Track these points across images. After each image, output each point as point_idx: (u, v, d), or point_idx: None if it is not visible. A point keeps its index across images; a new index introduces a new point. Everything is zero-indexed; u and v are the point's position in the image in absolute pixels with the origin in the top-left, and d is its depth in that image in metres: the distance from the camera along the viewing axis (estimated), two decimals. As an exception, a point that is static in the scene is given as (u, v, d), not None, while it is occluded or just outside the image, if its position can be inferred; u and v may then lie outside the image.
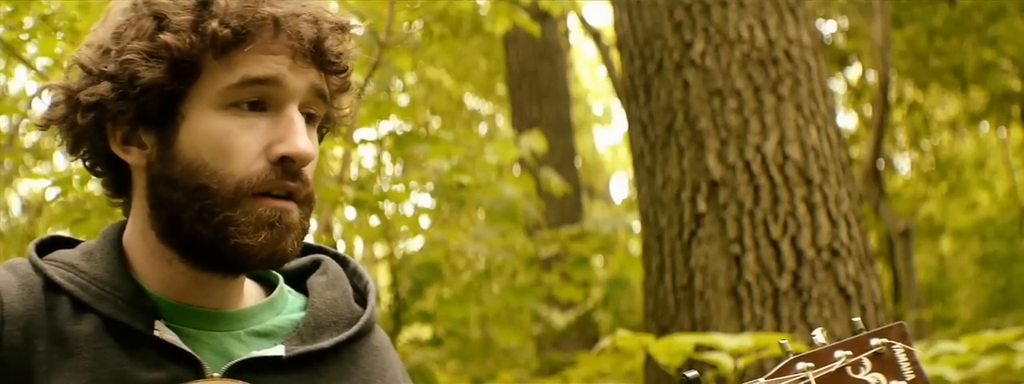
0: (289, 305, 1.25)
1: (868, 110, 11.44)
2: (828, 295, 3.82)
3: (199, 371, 1.12)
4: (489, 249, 6.41)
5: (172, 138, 1.12)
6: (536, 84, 9.69)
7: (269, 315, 1.22)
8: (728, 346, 3.29)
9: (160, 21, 1.10)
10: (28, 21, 3.61)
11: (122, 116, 1.12)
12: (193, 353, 1.12)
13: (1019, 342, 3.89)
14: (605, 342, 3.71)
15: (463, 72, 12.90)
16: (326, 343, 1.19)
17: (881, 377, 1.15)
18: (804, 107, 4.06)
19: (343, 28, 1.16)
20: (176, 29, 1.09)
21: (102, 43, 1.13)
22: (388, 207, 6.04)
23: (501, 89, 12.60)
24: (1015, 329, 4.06)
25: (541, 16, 7.93)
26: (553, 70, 9.87)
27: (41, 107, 1.19)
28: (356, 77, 1.22)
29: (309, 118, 1.15)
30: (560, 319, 7.22)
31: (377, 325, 1.29)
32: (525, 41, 9.21)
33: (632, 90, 4.43)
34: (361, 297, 1.29)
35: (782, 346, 1.17)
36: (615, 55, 8.23)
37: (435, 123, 13.42)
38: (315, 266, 1.30)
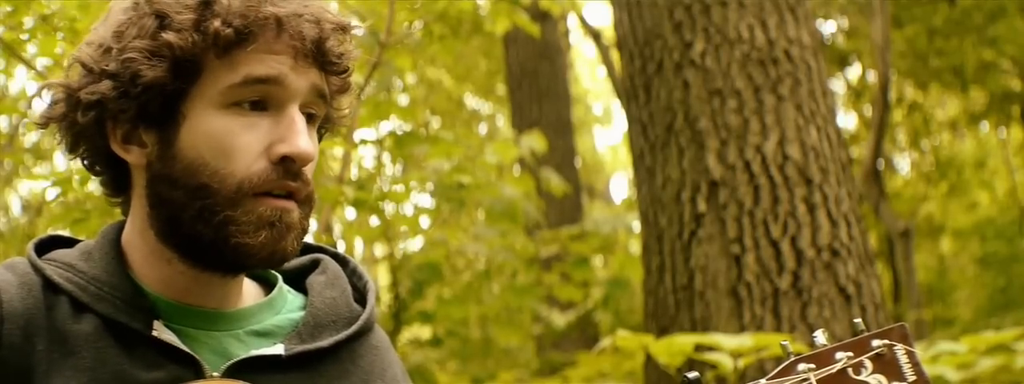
0: (288, 304, 1.25)
1: (868, 110, 11.44)
2: (828, 295, 3.82)
3: (198, 371, 1.12)
4: (489, 249, 6.41)
5: (173, 137, 1.11)
6: (536, 84, 9.69)
7: (268, 314, 1.22)
8: (728, 346, 3.29)
9: (162, 20, 1.10)
10: (28, 21, 3.61)
11: (123, 115, 1.12)
12: (192, 353, 1.12)
13: (1019, 342, 3.89)
14: (605, 342, 3.71)
15: (463, 72, 12.90)
16: (325, 342, 1.19)
17: (882, 378, 1.15)
18: (804, 107, 4.06)
19: (344, 29, 1.16)
20: (178, 28, 1.09)
21: (103, 42, 1.13)
22: (388, 207, 6.04)
23: (501, 89, 12.60)
24: (1015, 329, 4.06)
25: (541, 16, 7.93)
26: (553, 70, 9.87)
27: (41, 106, 1.19)
28: (356, 77, 1.22)
29: (309, 118, 1.15)
30: (560, 319, 7.22)
31: (377, 325, 1.29)
32: (525, 41, 9.21)
33: (632, 90, 4.43)
34: (360, 297, 1.29)
35: (783, 347, 1.17)
36: (615, 55, 8.23)
37: (435, 123, 13.43)
38: (314, 266, 1.30)
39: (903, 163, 14.13)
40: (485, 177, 5.61)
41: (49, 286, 1.13)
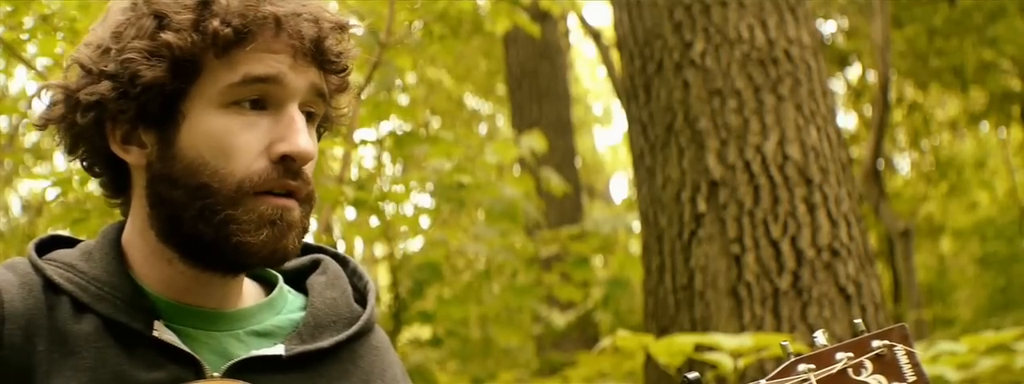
0: (289, 305, 1.25)
1: (868, 110, 11.44)
2: (828, 295, 3.82)
3: (199, 371, 1.12)
4: (489, 249, 6.41)
5: (173, 137, 1.11)
6: (536, 84, 9.69)
7: (268, 315, 1.22)
8: (728, 346, 3.29)
9: (161, 20, 1.10)
10: (28, 21, 3.61)
11: (122, 115, 1.12)
12: (192, 353, 1.12)
13: (1019, 342, 3.89)
14: (605, 342, 3.71)
15: (463, 72, 12.90)
16: (326, 343, 1.19)
17: (882, 379, 1.15)
18: (804, 107, 4.06)
19: (343, 28, 1.16)
20: (177, 28, 1.09)
21: (102, 42, 1.13)
22: (388, 207, 6.04)
23: (501, 89, 12.60)
24: (1015, 329, 4.06)
25: (541, 16, 7.93)
26: (553, 70, 9.87)
27: (41, 107, 1.19)
28: (356, 77, 1.22)
29: (309, 117, 1.16)
30: (560, 319, 7.22)
31: (377, 325, 1.29)
32: (525, 41, 9.21)
33: (632, 90, 4.43)
34: (361, 297, 1.29)
35: (783, 347, 1.17)
36: (615, 55, 8.23)
37: (435, 123, 13.43)
38: (315, 266, 1.30)
39: (903, 163, 14.14)
40: (485, 177, 5.61)
41: (50, 286, 1.13)
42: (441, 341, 6.93)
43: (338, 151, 4.83)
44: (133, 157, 1.15)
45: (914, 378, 1.15)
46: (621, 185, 19.51)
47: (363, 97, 4.52)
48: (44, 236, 1.23)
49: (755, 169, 3.97)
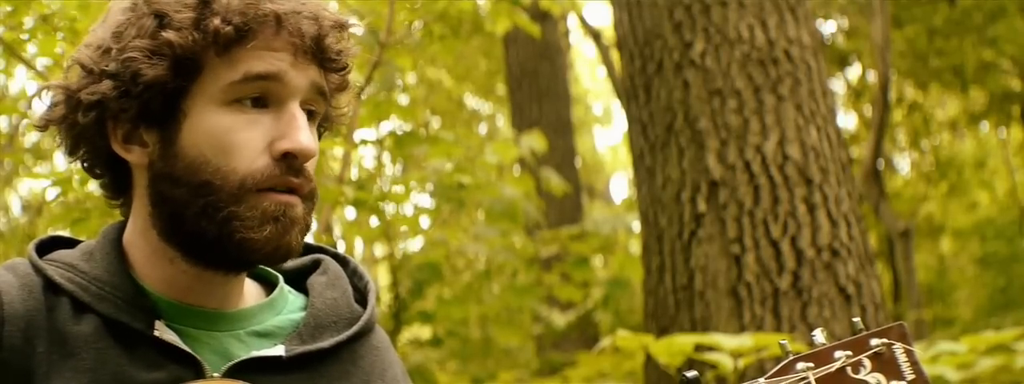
0: (289, 305, 1.25)
1: (868, 110, 11.44)
2: (828, 295, 3.82)
3: (199, 371, 1.12)
4: (489, 249, 6.41)
5: (174, 135, 1.12)
6: (536, 84, 9.69)
7: (269, 315, 1.22)
8: (728, 346, 3.29)
9: (162, 19, 1.11)
10: (28, 21, 3.61)
11: (124, 114, 1.12)
12: (193, 353, 1.12)
13: (1019, 342, 3.89)
14: (605, 342, 3.71)
15: (463, 72, 12.90)
16: (326, 343, 1.19)
17: (881, 377, 1.15)
18: (804, 107, 4.06)
19: (343, 26, 1.17)
20: (178, 27, 1.10)
21: (102, 43, 1.13)
22: (388, 207, 6.04)
23: (501, 89, 12.60)
24: (1015, 329, 4.06)
25: (541, 16, 7.93)
26: (553, 70, 9.87)
27: (41, 107, 1.19)
28: (356, 77, 1.23)
29: (309, 115, 1.16)
30: (560, 319, 7.22)
31: (377, 325, 1.29)
32: (525, 41, 9.21)
33: (632, 90, 4.43)
34: (361, 297, 1.29)
35: (782, 346, 1.17)
36: (615, 55, 8.23)
37: (435, 123, 13.43)
38: (315, 266, 1.30)
39: (903, 163, 14.14)
40: (485, 177, 5.61)
41: (50, 287, 1.14)
42: (441, 341, 6.94)
43: (338, 151, 4.83)
44: (135, 156, 1.15)
45: (913, 376, 1.15)
46: (621, 185, 19.53)
47: (363, 97, 4.53)
48: (44, 237, 1.24)
49: (755, 169, 3.97)
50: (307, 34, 1.12)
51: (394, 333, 5.81)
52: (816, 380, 1.14)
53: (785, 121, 4.02)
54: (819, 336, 1.17)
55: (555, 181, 6.35)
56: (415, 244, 7.36)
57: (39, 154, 7.95)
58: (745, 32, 4.13)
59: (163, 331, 1.12)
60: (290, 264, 1.28)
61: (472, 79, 13.37)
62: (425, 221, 6.58)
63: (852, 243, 3.92)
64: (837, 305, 3.82)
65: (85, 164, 1.19)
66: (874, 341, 1.17)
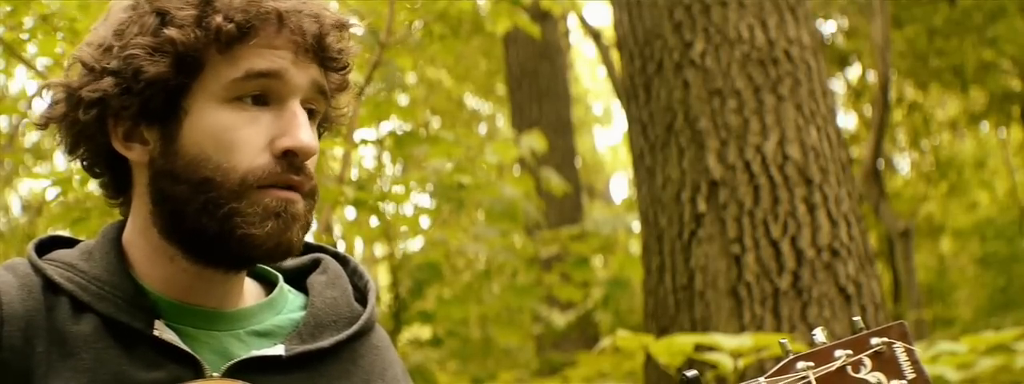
0: (289, 304, 1.25)
1: (868, 110, 11.44)
2: (828, 295, 3.82)
3: (198, 371, 1.12)
4: (489, 249, 6.41)
5: (175, 133, 1.12)
6: (536, 84, 9.69)
7: (269, 314, 1.22)
8: (728, 346, 3.29)
9: (164, 17, 1.11)
10: (28, 21, 3.61)
11: (125, 111, 1.12)
12: (192, 353, 1.12)
13: (1019, 342, 3.89)
14: (605, 342, 3.71)
15: (463, 72, 12.90)
16: (326, 342, 1.19)
17: (881, 376, 1.15)
18: (804, 107, 4.06)
19: (344, 26, 1.17)
20: (180, 24, 1.10)
21: (104, 41, 1.13)
22: (388, 207, 6.04)
23: (501, 89, 12.60)
24: (1015, 329, 4.06)
25: (541, 16, 7.93)
26: (553, 70, 9.87)
27: (41, 106, 1.19)
28: (356, 76, 1.23)
29: (310, 114, 1.16)
30: (560, 319, 7.22)
31: (377, 324, 1.29)
32: (525, 41, 9.21)
33: (632, 90, 4.43)
34: (361, 296, 1.29)
35: (782, 345, 1.16)
36: (615, 55, 8.23)
37: (435, 123, 13.42)
38: (315, 265, 1.30)
39: (903, 163, 14.14)
40: (485, 177, 5.61)
41: (49, 287, 1.13)
42: (441, 341, 6.94)
43: (338, 151, 4.83)
44: (135, 154, 1.15)
45: (913, 375, 1.15)
46: (621, 185, 19.52)
47: (363, 97, 4.53)
48: (44, 236, 1.24)
49: (755, 169, 3.97)
50: (308, 32, 1.13)
51: (394, 333, 5.81)
52: (816, 379, 1.14)
53: (785, 121, 4.02)
54: (819, 335, 1.17)
55: (555, 181, 6.35)
56: (415, 244, 7.36)
57: (39, 154, 7.95)
58: (745, 32, 4.13)
59: (162, 331, 1.12)
60: (290, 263, 1.28)
61: (472, 79, 13.37)
62: (425, 221, 6.58)
63: (852, 243, 3.92)
64: (837, 305, 3.82)
65: (85, 163, 1.19)
66: (874, 340, 1.17)
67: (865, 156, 9.69)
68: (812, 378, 1.13)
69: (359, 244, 11.24)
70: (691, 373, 1.11)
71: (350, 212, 6.46)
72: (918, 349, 1.19)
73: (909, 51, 10.22)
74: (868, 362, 1.15)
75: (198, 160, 1.11)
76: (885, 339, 1.17)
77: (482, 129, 15.14)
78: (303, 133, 1.12)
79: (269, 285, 1.27)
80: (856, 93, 11.95)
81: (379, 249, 11.31)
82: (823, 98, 4.15)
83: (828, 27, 11.53)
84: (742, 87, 4.07)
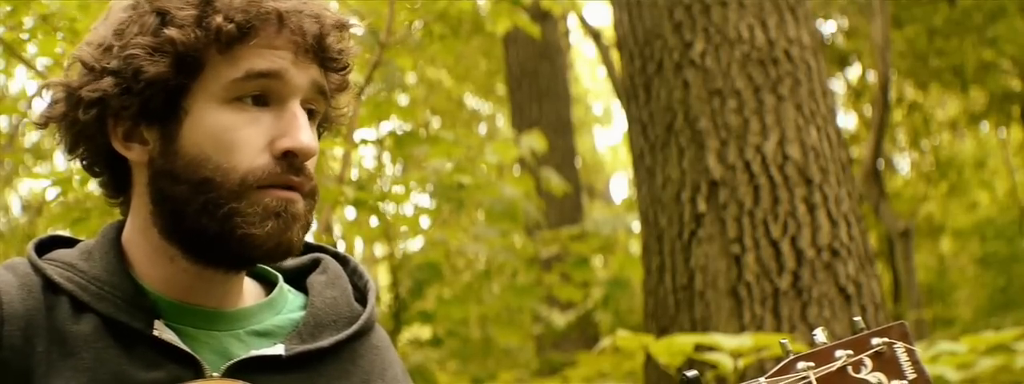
0: (289, 304, 1.25)
1: (868, 110, 11.44)
2: (828, 295, 3.82)
3: (198, 370, 1.12)
4: (489, 249, 6.41)
5: (175, 133, 1.12)
6: (536, 84, 9.69)
7: (269, 314, 1.22)
8: (728, 346, 3.29)
9: (164, 17, 1.11)
10: (28, 21, 3.61)
11: (125, 111, 1.12)
12: (192, 352, 1.12)
13: (1019, 342, 3.89)
14: (605, 342, 3.71)
15: (463, 72, 12.90)
16: (326, 342, 1.19)
17: (882, 376, 1.15)
18: (804, 107, 4.06)
19: (344, 26, 1.17)
20: (180, 24, 1.10)
21: (104, 40, 1.13)
22: (388, 207, 6.04)
23: (501, 89, 12.60)
24: (1015, 329, 4.06)
25: (541, 16, 7.93)
26: (553, 70, 9.87)
27: (41, 106, 1.19)
28: (356, 77, 1.23)
29: (310, 114, 1.16)
30: (560, 319, 7.21)
31: (377, 324, 1.29)
32: (525, 41, 9.21)
33: (632, 90, 4.43)
34: (361, 296, 1.29)
35: (783, 346, 1.16)
36: (615, 55, 8.23)
37: (435, 123, 13.42)
38: (315, 265, 1.30)
39: (903, 163, 14.14)
40: (485, 177, 5.61)
41: (49, 286, 1.13)
42: (441, 341, 6.94)
43: (338, 151, 4.83)
44: (135, 154, 1.15)
45: (914, 375, 1.15)
46: (621, 185, 19.52)
47: (363, 97, 4.53)
48: (44, 236, 1.23)
49: (755, 169, 3.97)
50: (309, 33, 1.13)
51: (394, 333, 5.81)
52: (817, 379, 1.14)
53: (785, 121, 4.02)
54: (820, 335, 1.17)
55: (555, 181, 6.35)
56: (415, 244, 7.36)
57: (39, 154, 7.95)
58: (745, 32, 4.13)
59: (162, 330, 1.12)
60: (289, 263, 1.28)
61: (472, 79, 13.37)
62: (425, 221, 6.58)
63: (852, 243, 3.92)
64: (837, 305, 3.82)
65: (85, 162, 1.19)
66: (875, 340, 1.16)
67: (865, 156, 9.69)
68: (813, 378, 1.13)
69: (359, 244, 11.24)
70: (691, 373, 1.11)
71: (350, 212, 6.47)
72: (918, 349, 1.19)
73: (909, 51, 10.22)
74: (869, 362, 1.15)
75: (198, 160, 1.10)
76: (886, 339, 1.16)
77: (482, 129, 15.14)
78: (303, 134, 1.12)
79: (269, 285, 1.27)
80: (856, 93, 11.95)
81: (379, 249, 11.31)
82: (823, 98, 4.15)
83: (828, 27, 11.54)
84: (742, 87, 4.07)
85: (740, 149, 4.00)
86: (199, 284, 1.16)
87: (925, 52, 10.11)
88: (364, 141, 5.58)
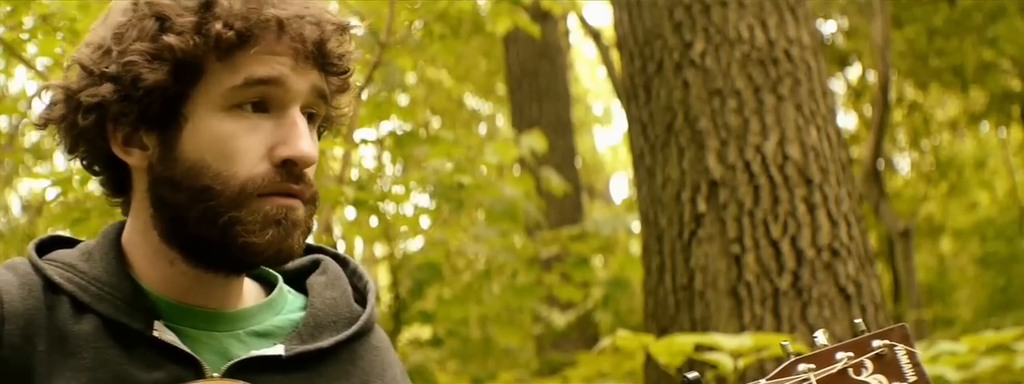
0: (289, 305, 1.25)
1: (868, 110, 11.44)
2: (828, 295, 3.82)
3: (198, 371, 1.12)
4: (489, 249, 6.41)
5: (174, 140, 1.11)
6: (536, 84, 9.69)
7: (269, 315, 1.22)
8: (728, 346, 3.29)
9: (163, 22, 1.10)
10: (28, 21, 3.61)
11: (124, 118, 1.12)
12: (192, 353, 1.12)
13: (1019, 342, 3.89)
14: (605, 342, 3.71)
15: (463, 72, 12.90)
16: (325, 343, 1.19)
17: (883, 379, 1.15)
18: (804, 107, 4.06)
19: (344, 29, 1.16)
20: (179, 30, 1.09)
21: (102, 43, 1.13)
22: (388, 207, 6.04)
23: (501, 89, 12.60)
24: (1015, 329, 4.06)
25: (541, 16, 7.93)
26: (553, 70, 9.87)
27: (41, 107, 1.19)
28: (356, 77, 1.22)
29: (310, 118, 1.16)
30: (560, 319, 7.21)
31: (377, 325, 1.29)
32: (525, 41, 9.21)
33: (632, 90, 4.43)
34: (361, 297, 1.29)
35: (783, 347, 1.16)
36: (615, 55, 8.23)
37: (435, 123, 13.42)
38: (315, 266, 1.30)
39: (903, 163, 14.14)
40: (485, 177, 5.61)
41: (50, 286, 1.13)
42: (441, 341, 6.94)
43: (338, 151, 4.83)
44: (134, 159, 1.15)
45: (915, 378, 1.15)
46: (621, 185, 19.52)
47: (363, 97, 4.52)
48: (44, 236, 1.23)
49: (755, 169, 3.97)
50: (309, 39, 1.12)
51: (394, 333, 5.81)
52: (818, 381, 1.14)
53: (785, 121, 4.02)
54: (821, 337, 1.17)
55: (555, 181, 6.35)
56: (415, 244, 7.36)
57: (39, 154, 7.95)
58: (745, 32, 4.13)
59: (162, 331, 1.12)
60: (290, 264, 1.28)
61: (472, 79, 13.36)
62: (425, 221, 6.58)
63: (852, 243, 3.92)
64: (837, 305, 3.82)
65: (84, 162, 1.19)
66: (876, 342, 1.16)
67: (865, 156, 9.69)
68: (813, 380, 1.13)
69: (359, 244, 11.24)
70: (692, 375, 1.11)
71: (350, 212, 6.47)
72: (919, 350, 1.19)
73: (909, 51, 10.22)
74: (870, 364, 1.15)
75: (198, 168, 1.10)
76: (887, 341, 1.16)
77: (482, 129, 15.14)
78: (303, 142, 1.11)
79: (269, 286, 1.27)
80: (856, 93, 11.95)
81: (379, 249, 11.31)
82: (823, 98, 4.15)
83: (828, 27, 11.54)
84: (742, 87, 4.07)
85: (740, 149, 4.00)
86: (199, 286, 1.16)
87: (925, 52, 10.11)
88: (364, 141, 5.58)
